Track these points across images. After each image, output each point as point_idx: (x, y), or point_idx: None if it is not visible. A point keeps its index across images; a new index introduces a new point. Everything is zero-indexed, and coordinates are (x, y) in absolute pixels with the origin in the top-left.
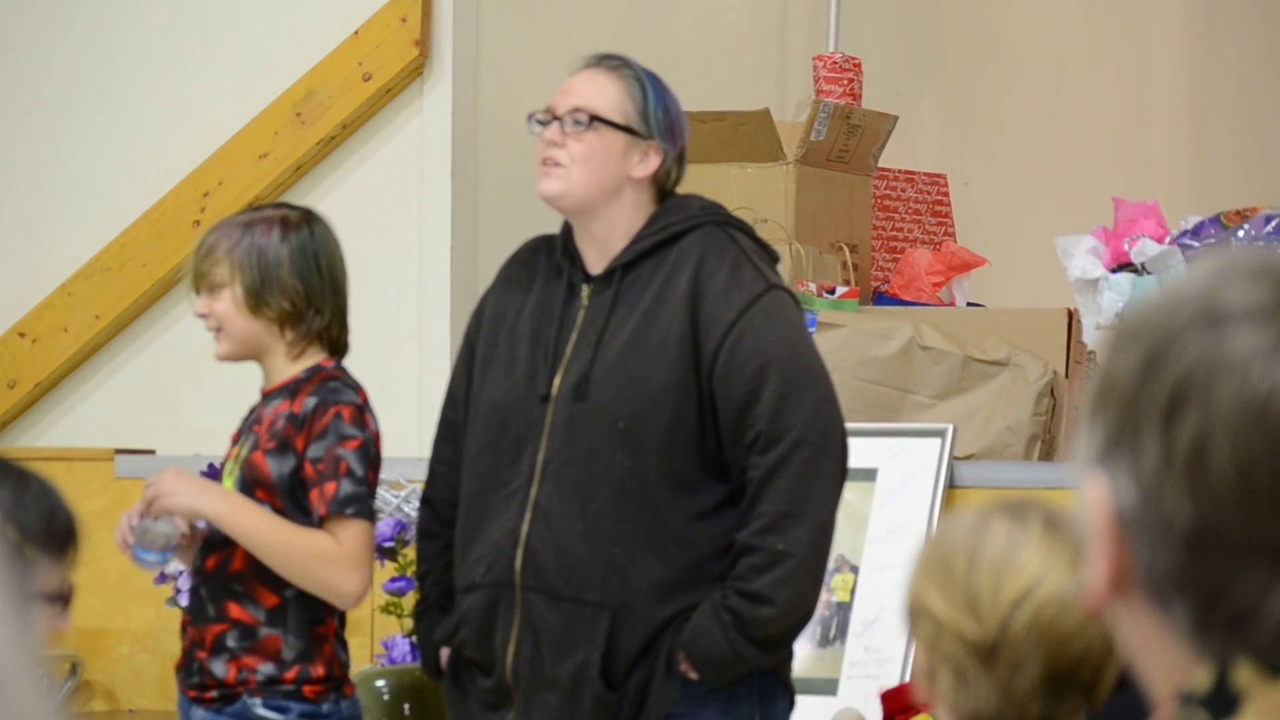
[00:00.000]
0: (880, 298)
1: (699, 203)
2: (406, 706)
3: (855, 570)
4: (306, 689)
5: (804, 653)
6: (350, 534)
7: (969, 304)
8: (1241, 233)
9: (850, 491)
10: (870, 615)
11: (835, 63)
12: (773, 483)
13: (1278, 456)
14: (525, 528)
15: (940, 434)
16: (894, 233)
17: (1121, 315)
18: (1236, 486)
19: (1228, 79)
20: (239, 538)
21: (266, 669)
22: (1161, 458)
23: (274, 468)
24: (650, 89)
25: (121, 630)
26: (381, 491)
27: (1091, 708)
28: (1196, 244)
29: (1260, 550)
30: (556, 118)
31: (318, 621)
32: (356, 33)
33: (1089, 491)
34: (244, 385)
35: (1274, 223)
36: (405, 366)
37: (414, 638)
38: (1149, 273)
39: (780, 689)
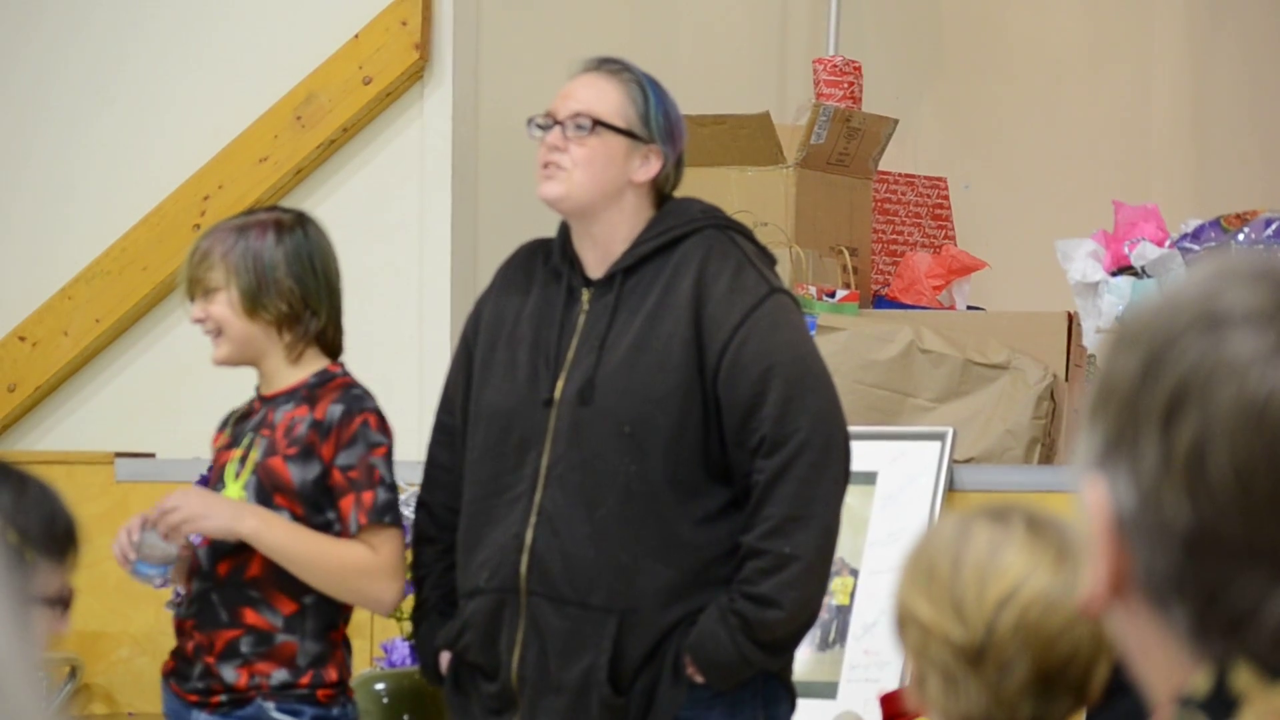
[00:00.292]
0: (880, 301)
1: (699, 206)
2: (406, 711)
3: (855, 573)
4: (320, 692)
5: (803, 656)
6: (388, 543)
7: (969, 307)
8: (1241, 236)
9: (850, 495)
10: (870, 618)
11: (835, 66)
12: (778, 486)
13: (1277, 460)
14: (530, 533)
15: (940, 437)
16: (894, 236)
17: (1121, 318)
18: (1236, 489)
19: (1228, 82)
20: (273, 554)
21: (280, 675)
22: (1161, 461)
23: (296, 474)
24: (651, 93)
25: (121, 633)
26: None
27: (1083, 707)
28: (1196, 247)
29: (1259, 553)
30: (558, 122)
31: (332, 627)
32: (357, 36)
33: (1088, 494)
34: (244, 389)
35: (1274, 226)
36: (405, 370)
37: (413, 641)
38: (1149, 276)
39: (783, 692)
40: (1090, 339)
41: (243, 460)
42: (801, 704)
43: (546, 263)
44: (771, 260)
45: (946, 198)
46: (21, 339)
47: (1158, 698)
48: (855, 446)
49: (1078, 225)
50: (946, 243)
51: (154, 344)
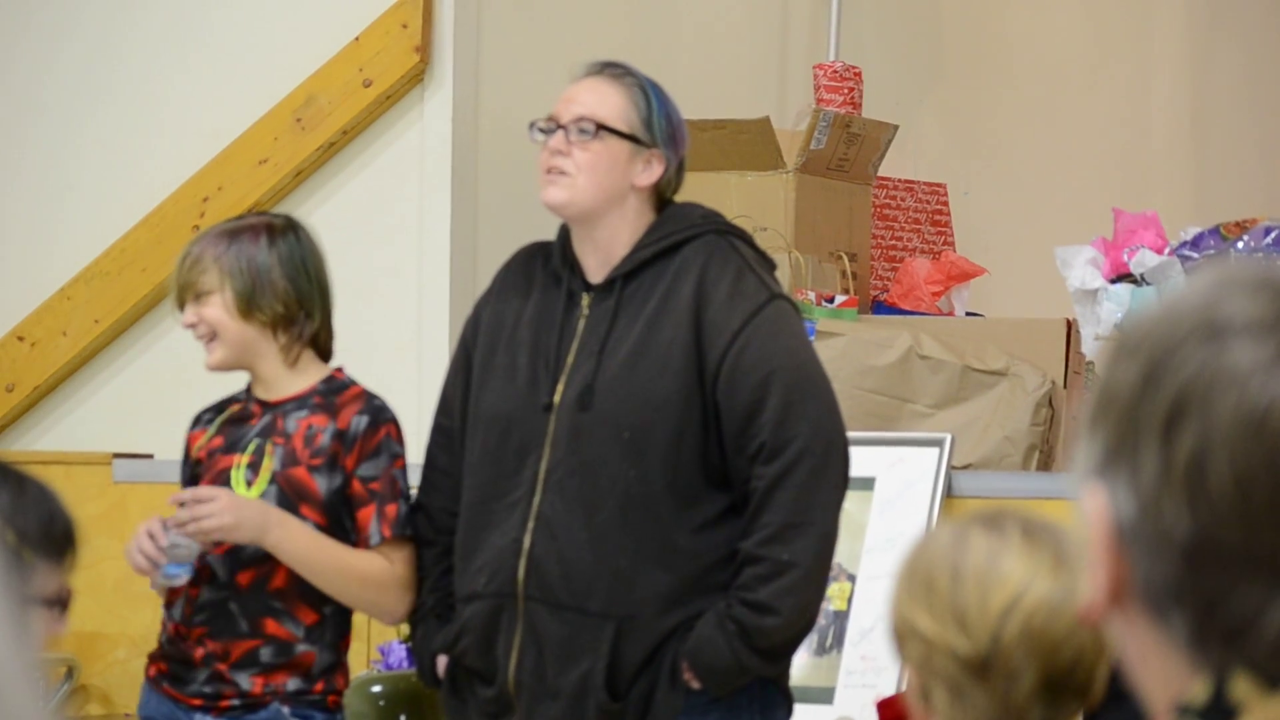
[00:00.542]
0: (879, 307)
1: (699, 211)
2: (402, 714)
3: (852, 579)
4: (330, 698)
5: (800, 661)
6: (405, 556)
7: (968, 313)
8: (1241, 244)
9: (848, 500)
10: (867, 624)
11: (835, 71)
12: (777, 493)
13: (1277, 469)
14: (528, 538)
15: (938, 443)
16: (893, 242)
17: (1121, 326)
18: (1235, 499)
19: (1228, 90)
20: (294, 563)
21: (295, 684)
22: (1161, 470)
23: (322, 485)
24: (653, 97)
25: (118, 634)
26: None
27: (1087, 710)
28: (1196, 255)
29: (1259, 562)
30: (561, 126)
31: (345, 634)
32: (357, 39)
33: (1088, 503)
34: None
35: (1274, 234)
36: (404, 372)
37: (410, 644)
38: (1148, 284)
39: (779, 698)
40: (1089, 346)
41: (252, 467)
42: (798, 709)
43: (546, 266)
44: (772, 266)
45: (946, 204)
46: (20, 339)
47: (1156, 706)
48: (853, 452)
49: (1077, 232)
50: (946, 249)
51: (152, 345)
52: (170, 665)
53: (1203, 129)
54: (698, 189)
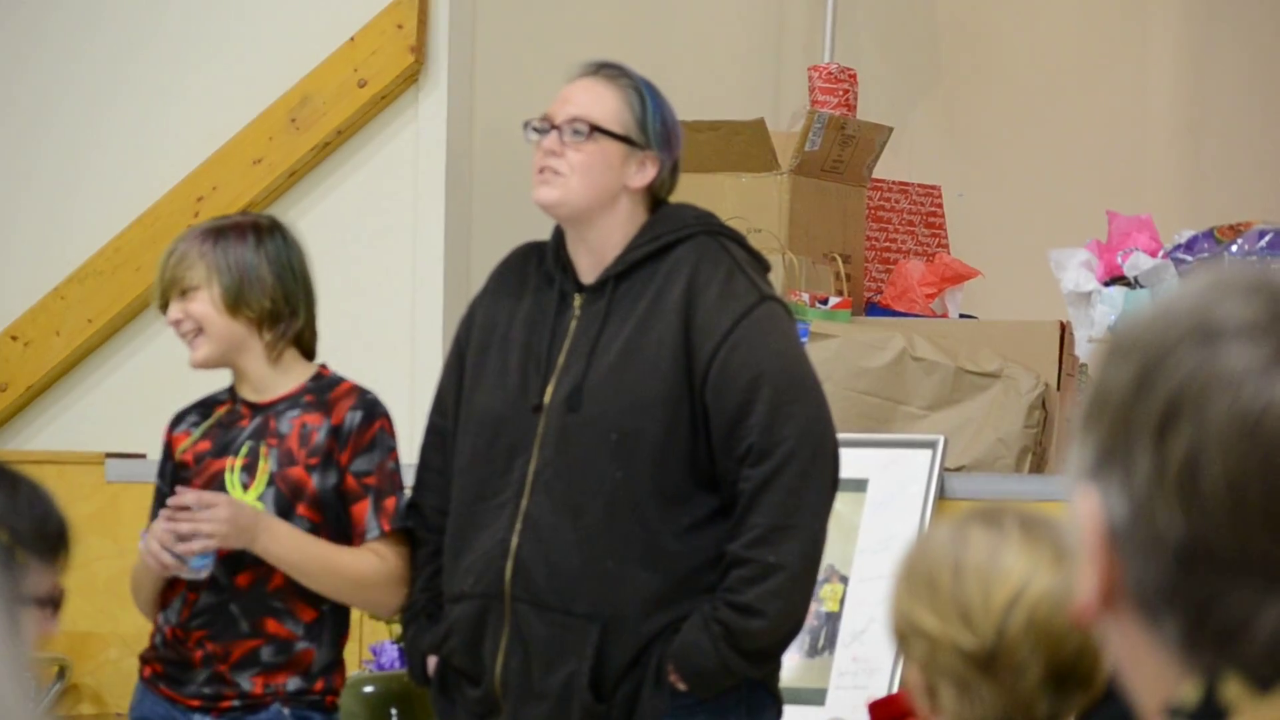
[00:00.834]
0: (873, 308)
1: (691, 212)
2: (394, 713)
3: (845, 581)
4: (329, 698)
5: (792, 662)
6: (400, 550)
7: (961, 315)
8: (1235, 247)
9: (840, 502)
10: (859, 626)
11: (830, 73)
12: (764, 495)
13: (1270, 472)
14: (515, 539)
15: (931, 445)
16: (887, 244)
17: (1114, 329)
18: (1229, 502)
19: (1223, 93)
20: (283, 565)
21: (295, 683)
22: (1154, 473)
23: (318, 482)
24: (648, 98)
25: (110, 634)
26: None
27: (1090, 699)
28: (1190, 258)
29: (1251, 566)
30: (555, 126)
31: (344, 632)
32: (352, 39)
33: (1080, 505)
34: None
35: (1267, 238)
36: (397, 373)
37: (402, 644)
38: (1142, 286)
39: (768, 699)
40: (1083, 349)
41: (247, 469)
42: (790, 711)
43: (540, 266)
44: (765, 267)
45: (940, 206)
46: (14, 338)
47: (1146, 708)
48: (846, 453)
49: (1071, 235)
50: (940, 251)
51: (146, 345)
52: (166, 667)
53: (1197, 132)
54: (692, 190)
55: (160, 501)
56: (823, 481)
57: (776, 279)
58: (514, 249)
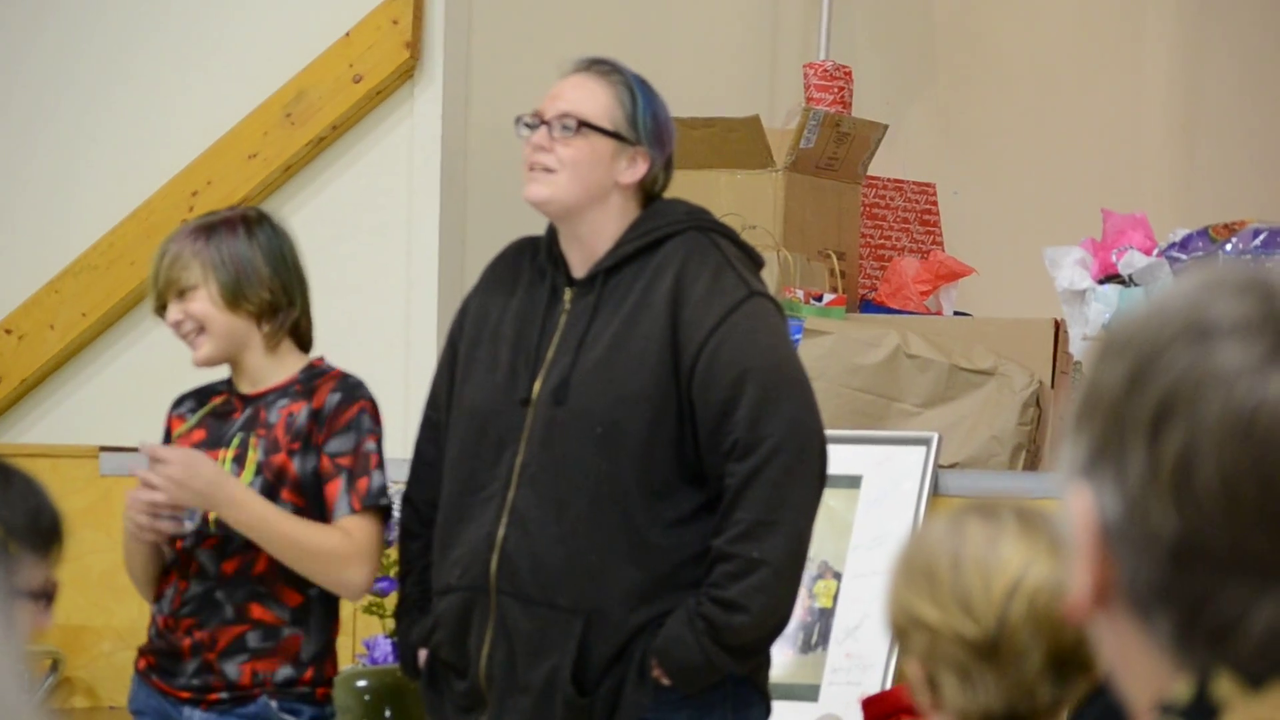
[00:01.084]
0: (867, 306)
1: (683, 208)
2: (387, 707)
3: (838, 577)
4: (319, 691)
5: (786, 659)
6: (369, 528)
7: (956, 313)
8: (1229, 246)
9: (834, 498)
10: (853, 622)
11: (826, 71)
12: (749, 490)
13: (1264, 470)
14: (501, 532)
15: (925, 442)
16: (882, 241)
17: (1108, 327)
18: (1222, 500)
19: (1218, 93)
20: (248, 532)
21: (285, 671)
22: (1147, 470)
23: (298, 465)
24: (639, 94)
25: (103, 627)
26: None
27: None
28: (1184, 257)
29: (1245, 563)
30: (545, 122)
31: (333, 619)
32: (348, 34)
33: (1073, 503)
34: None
35: (1261, 237)
36: (391, 367)
37: (395, 638)
38: (1136, 284)
39: (755, 695)
40: (1077, 346)
41: (237, 460)
42: (783, 707)
43: (534, 261)
44: (757, 263)
45: (935, 203)
46: (7, 332)
47: (1137, 706)
48: (840, 450)
49: (1066, 233)
50: (934, 248)
51: (140, 338)
52: (159, 658)
53: (1192, 131)
54: (687, 187)
55: None
56: (808, 477)
57: (771, 276)
58: (509, 243)
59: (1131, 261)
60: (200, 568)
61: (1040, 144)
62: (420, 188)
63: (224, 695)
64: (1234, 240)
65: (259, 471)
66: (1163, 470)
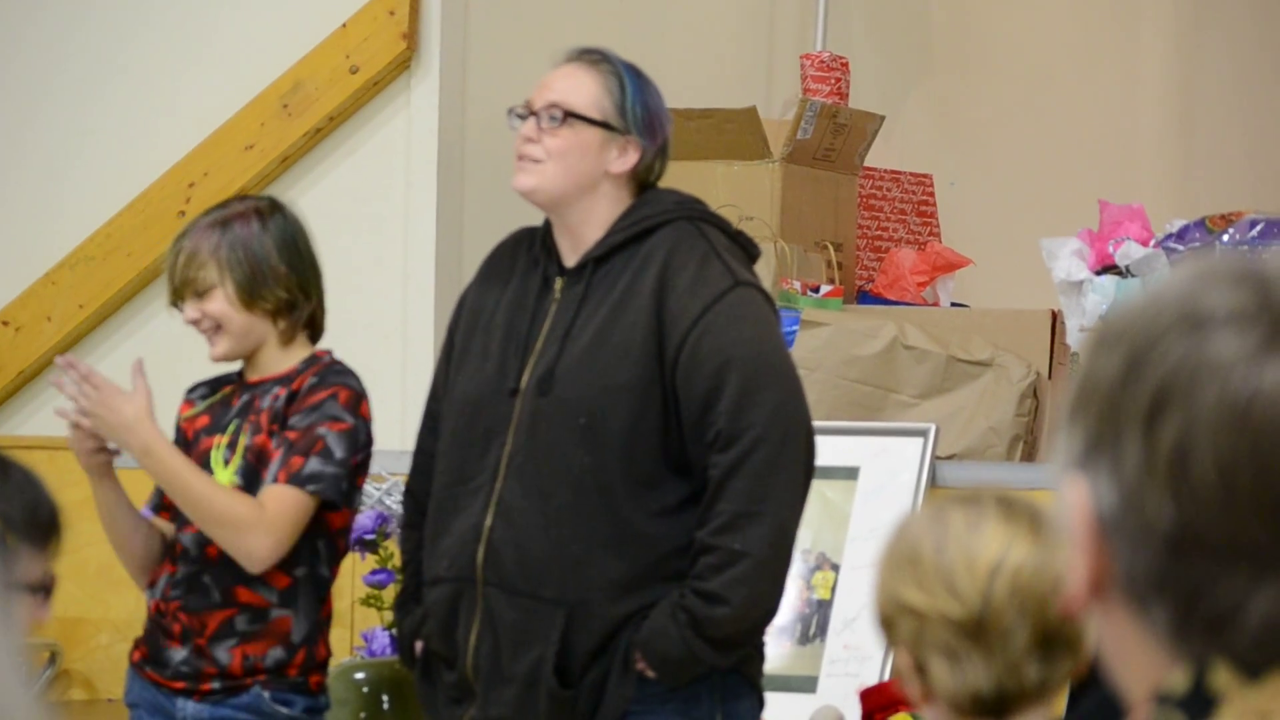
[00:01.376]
0: (864, 297)
1: (674, 197)
2: (385, 699)
3: (836, 568)
4: (312, 679)
5: (783, 650)
6: (281, 502)
7: (953, 304)
8: (1226, 237)
9: (832, 490)
10: (850, 613)
11: (823, 62)
12: (731, 481)
13: (1260, 459)
14: (488, 522)
15: (923, 433)
16: (879, 232)
17: (1105, 318)
18: (1219, 490)
19: (1215, 84)
20: (159, 479)
21: (275, 654)
22: (1143, 461)
23: (275, 446)
24: (629, 83)
25: (101, 619)
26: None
27: (1078, 666)
28: (1181, 247)
29: (1241, 553)
30: (534, 113)
31: (322, 601)
32: (344, 25)
33: (1069, 494)
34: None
35: (1258, 227)
36: (389, 359)
37: (394, 630)
38: (1133, 275)
39: (745, 687)
40: (1074, 337)
41: (231, 446)
42: (781, 699)
43: (529, 251)
44: (750, 254)
45: (932, 194)
46: (5, 323)
47: (1134, 697)
48: (838, 441)
49: (1063, 224)
50: (931, 239)
51: (137, 330)
52: (150, 648)
53: (1189, 122)
54: (684, 178)
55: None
56: (793, 468)
57: (768, 267)
58: (508, 235)
59: (1128, 252)
60: (184, 550)
61: (1037, 135)
62: (417, 179)
63: (216, 685)
64: (1231, 231)
65: (244, 455)
66: (1158, 460)
